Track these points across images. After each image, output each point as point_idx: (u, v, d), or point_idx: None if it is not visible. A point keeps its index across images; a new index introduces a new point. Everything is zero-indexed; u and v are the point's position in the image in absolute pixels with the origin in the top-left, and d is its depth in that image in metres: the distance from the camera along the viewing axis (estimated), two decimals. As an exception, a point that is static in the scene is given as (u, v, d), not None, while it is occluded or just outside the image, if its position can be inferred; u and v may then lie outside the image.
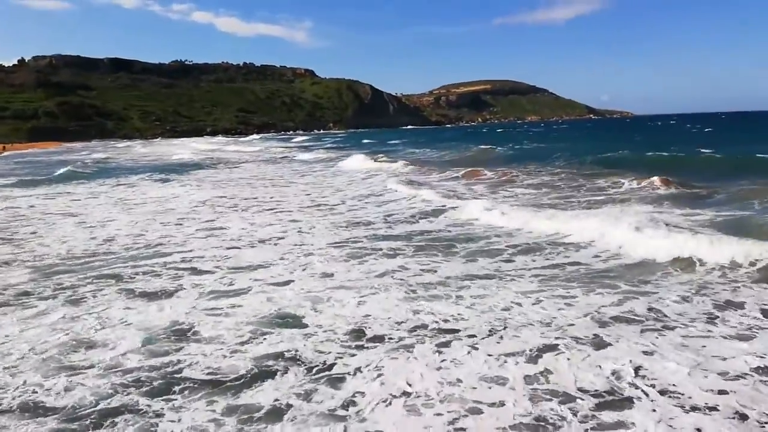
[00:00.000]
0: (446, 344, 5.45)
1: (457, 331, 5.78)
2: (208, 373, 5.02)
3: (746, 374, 4.56)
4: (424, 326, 5.94)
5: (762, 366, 4.67)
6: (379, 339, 5.67)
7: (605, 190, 15.82)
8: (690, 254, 7.75)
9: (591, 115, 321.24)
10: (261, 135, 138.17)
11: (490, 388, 4.57)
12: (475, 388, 4.58)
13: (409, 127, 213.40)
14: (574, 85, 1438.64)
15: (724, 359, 4.85)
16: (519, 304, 6.45)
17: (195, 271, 8.49)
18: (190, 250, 9.93)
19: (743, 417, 3.95)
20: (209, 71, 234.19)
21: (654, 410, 4.09)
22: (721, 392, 4.29)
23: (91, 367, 5.16)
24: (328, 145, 66.01)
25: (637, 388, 4.42)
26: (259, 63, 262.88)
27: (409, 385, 4.65)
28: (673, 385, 4.44)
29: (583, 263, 8.23)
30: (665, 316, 5.93)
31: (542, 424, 4.02)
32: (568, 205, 13.38)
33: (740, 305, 6.18)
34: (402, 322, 6.08)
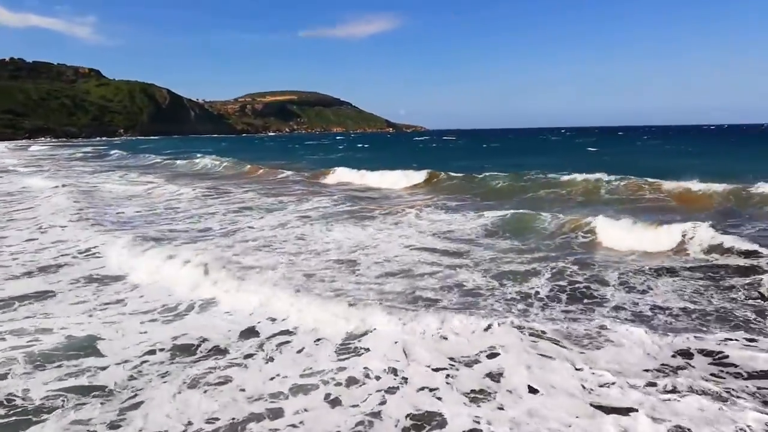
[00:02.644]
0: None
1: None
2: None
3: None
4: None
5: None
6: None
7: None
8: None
9: (390, 129, 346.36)
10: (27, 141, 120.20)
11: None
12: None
13: (205, 135, 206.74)
14: (375, 100, 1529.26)
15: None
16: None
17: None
18: None
19: None
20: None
21: None
22: None
23: None
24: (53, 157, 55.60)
25: None
26: (32, 59, 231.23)
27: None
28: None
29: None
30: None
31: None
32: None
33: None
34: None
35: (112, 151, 61.47)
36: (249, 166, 32.31)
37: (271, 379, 5.11)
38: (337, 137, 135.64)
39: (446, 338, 5.70)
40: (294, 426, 4.31)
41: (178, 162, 39.80)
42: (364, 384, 4.93)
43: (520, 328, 5.70)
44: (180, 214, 15.07)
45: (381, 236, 11.26)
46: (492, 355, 5.26)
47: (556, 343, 5.39)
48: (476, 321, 5.88)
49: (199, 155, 43.04)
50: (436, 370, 5.08)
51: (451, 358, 5.27)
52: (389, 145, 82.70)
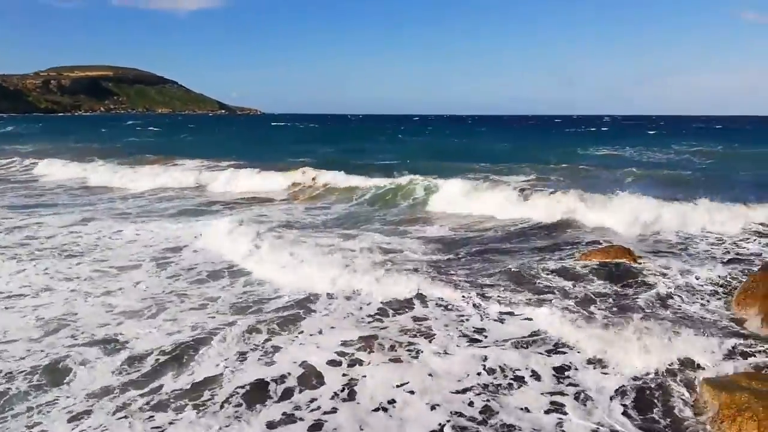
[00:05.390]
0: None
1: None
2: None
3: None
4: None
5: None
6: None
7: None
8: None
9: (223, 111, 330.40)
10: None
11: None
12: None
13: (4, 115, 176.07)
14: (204, 80, 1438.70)
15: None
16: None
17: None
18: None
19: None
20: None
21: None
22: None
23: None
24: None
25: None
26: None
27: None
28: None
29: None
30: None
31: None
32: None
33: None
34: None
35: None
36: None
37: None
38: (138, 119, 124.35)
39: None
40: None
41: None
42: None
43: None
44: None
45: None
46: None
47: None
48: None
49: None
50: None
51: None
52: (190, 128, 75.74)
